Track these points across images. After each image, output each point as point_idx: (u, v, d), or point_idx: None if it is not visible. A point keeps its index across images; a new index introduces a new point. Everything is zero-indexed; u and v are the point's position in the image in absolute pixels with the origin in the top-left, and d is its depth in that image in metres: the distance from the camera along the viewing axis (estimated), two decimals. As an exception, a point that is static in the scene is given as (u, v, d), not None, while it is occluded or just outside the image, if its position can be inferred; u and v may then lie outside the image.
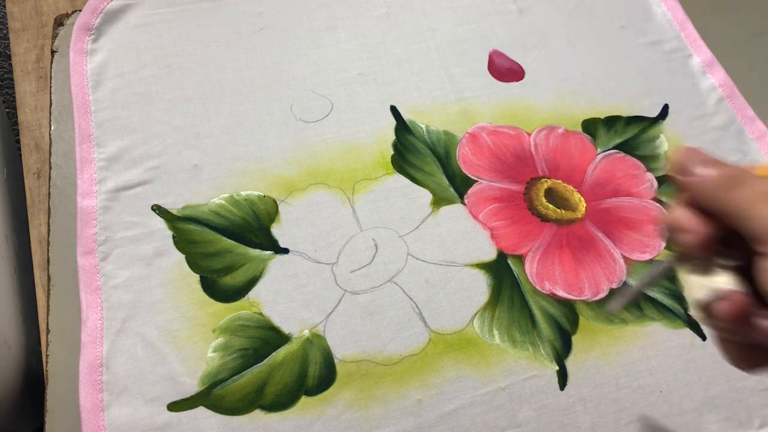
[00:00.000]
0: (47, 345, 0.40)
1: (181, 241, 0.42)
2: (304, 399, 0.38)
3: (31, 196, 0.46)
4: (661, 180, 0.47)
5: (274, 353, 0.39)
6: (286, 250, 0.43)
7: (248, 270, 0.42)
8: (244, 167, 0.46)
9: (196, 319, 0.40)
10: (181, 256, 0.42)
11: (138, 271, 0.41)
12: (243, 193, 0.45)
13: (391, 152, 0.47)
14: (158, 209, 0.44)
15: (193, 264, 0.42)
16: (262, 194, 0.45)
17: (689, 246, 0.27)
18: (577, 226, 0.45)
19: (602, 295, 0.42)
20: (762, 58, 0.55)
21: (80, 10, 0.52)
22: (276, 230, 0.43)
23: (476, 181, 0.46)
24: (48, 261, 0.43)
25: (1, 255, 0.46)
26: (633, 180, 0.47)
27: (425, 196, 0.45)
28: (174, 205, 0.44)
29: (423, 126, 0.48)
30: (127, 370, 0.38)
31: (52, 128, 0.48)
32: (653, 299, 0.42)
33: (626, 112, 0.50)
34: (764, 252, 0.25)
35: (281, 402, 0.38)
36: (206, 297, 0.41)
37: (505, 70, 0.52)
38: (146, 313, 0.40)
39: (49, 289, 0.42)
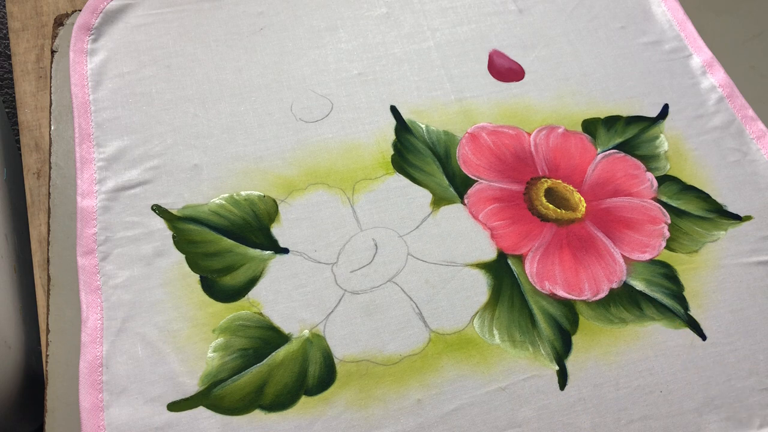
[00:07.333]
0: (47, 345, 0.40)
1: (181, 241, 0.42)
2: (304, 399, 0.38)
3: (31, 196, 0.46)
4: (661, 180, 0.47)
5: (274, 353, 0.39)
6: (286, 250, 0.43)
7: (248, 270, 0.42)
8: (244, 167, 0.46)
9: (196, 319, 0.40)
10: (181, 256, 0.42)
11: (138, 271, 0.41)
12: (243, 193, 0.45)
13: (391, 152, 0.47)
14: (158, 209, 0.44)
15: (193, 264, 0.42)
16: (262, 194, 0.45)
17: None
18: (577, 226, 0.45)
19: (602, 295, 0.42)
20: (762, 58, 0.55)
21: (80, 10, 0.52)
22: (276, 230, 0.43)
23: (476, 181, 0.46)
24: (48, 261, 0.43)
25: (1, 255, 0.46)
26: (633, 180, 0.47)
27: (425, 196, 0.45)
28: (174, 205, 0.44)
29: (423, 126, 0.48)
30: (127, 370, 0.38)
31: (52, 128, 0.48)
32: (653, 299, 0.42)
33: (626, 112, 0.50)
34: None
35: (281, 402, 0.38)
36: (206, 297, 0.41)
37: (505, 70, 0.52)
38: (146, 313, 0.40)
39: (49, 289, 0.42)
